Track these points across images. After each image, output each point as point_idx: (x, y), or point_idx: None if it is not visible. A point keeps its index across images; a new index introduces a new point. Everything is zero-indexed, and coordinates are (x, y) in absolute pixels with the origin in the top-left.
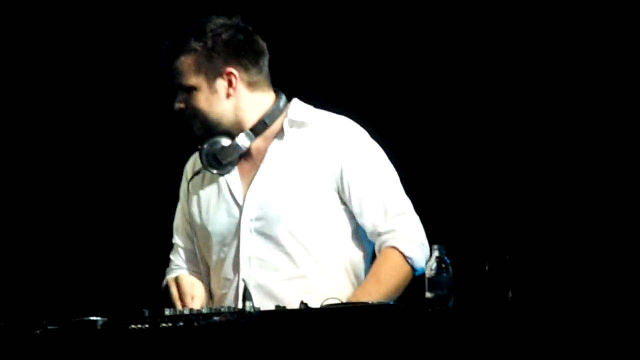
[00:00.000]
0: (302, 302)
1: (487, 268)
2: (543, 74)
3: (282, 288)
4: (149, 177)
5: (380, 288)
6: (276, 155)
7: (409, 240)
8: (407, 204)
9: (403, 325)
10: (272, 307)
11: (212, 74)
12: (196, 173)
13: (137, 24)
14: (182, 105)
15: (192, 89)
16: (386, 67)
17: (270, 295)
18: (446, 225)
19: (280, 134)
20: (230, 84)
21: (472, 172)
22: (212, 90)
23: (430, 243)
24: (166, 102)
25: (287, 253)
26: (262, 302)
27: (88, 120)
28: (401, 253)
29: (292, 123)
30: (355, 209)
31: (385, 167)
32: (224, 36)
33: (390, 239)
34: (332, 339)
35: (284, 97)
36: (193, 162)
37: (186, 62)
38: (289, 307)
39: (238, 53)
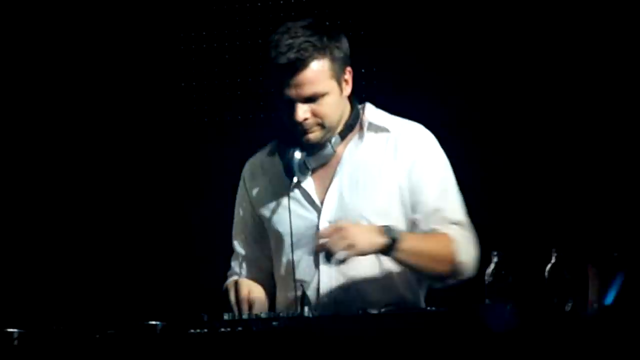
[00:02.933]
0: (361, 308)
1: (547, 275)
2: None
3: (363, 286)
4: (209, 182)
5: (424, 243)
6: (354, 157)
7: (463, 237)
8: (464, 215)
9: (461, 332)
10: (355, 305)
11: (341, 75)
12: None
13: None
14: (307, 115)
15: (322, 95)
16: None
17: (351, 294)
18: (507, 231)
19: (359, 135)
20: (347, 83)
21: (533, 177)
22: (340, 91)
23: (490, 248)
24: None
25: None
26: (345, 300)
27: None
28: (451, 239)
29: (371, 126)
30: (413, 211)
31: (449, 177)
32: (341, 34)
33: (444, 229)
34: (390, 344)
35: (355, 100)
36: (251, 169)
37: (319, 68)
38: (371, 305)
39: (349, 50)
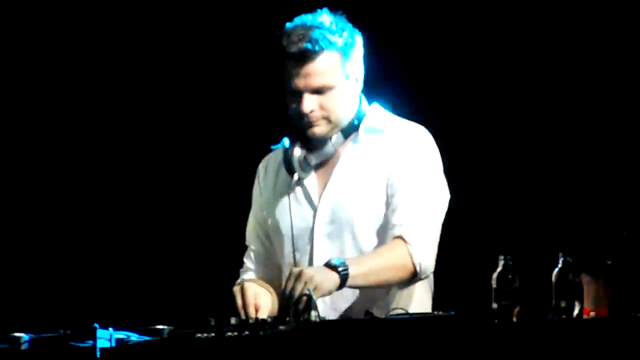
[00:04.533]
0: (367, 312)
1: (554, 280)
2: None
3: (349, 296)
4: (218, 184)
5: (375, 259)
6: (349, 160)
7: (417, 236)
8: (429, 208)
9: (468, 337)
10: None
11: (349, 72)
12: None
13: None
14: (314, 107)
15: (331, 89)
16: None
17: (350, 299)
18: (513, 235)
19: (355, 138)
20: (357, 81)
21: (540, 181)
22: (349, 88)
23: (496, 253)
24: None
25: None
26: (337, 307)
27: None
28: (405, 242)
29: (369, 129)
30: (387, 202)
31: (426, 173)
32: (355, 32)
33: (399, 230)
34: (396, 349)
35: (364, 100)
36: (265, 165)
37: (329, 60)
38: (356, 314)
39: (362, 48)
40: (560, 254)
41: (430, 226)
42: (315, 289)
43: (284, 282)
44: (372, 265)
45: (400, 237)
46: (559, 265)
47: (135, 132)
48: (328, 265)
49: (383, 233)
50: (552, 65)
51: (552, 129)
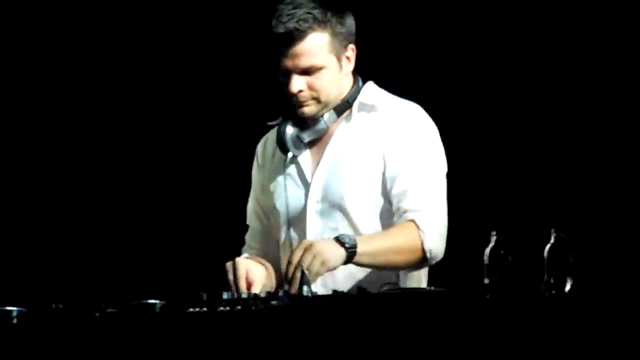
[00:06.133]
0: (359, 287)
1: (546, 255)
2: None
3: (355, 269)
4: (210, 163)
5: (385, 241)
6: (342, 138)
7: (430, 222)
8: (437, 196)
9: (460, 312)
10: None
11: (341, 51)
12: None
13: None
14: (303, 87)
15: (319, 69)
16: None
17: (343, 275)
18: (506, 211)
19: (348, 116)
20: (348, 60)
21: (531, 157)
22: (339, 68)
23: (489, 229)
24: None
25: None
26: (326, 284)
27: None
28: (418, 227)
29: (362, 106)
30: (388, 184)
31: (430, 153)
32: (346, 11)
33: (411, 215)
34: (389, 324)
35: (359, 79)
36: (264, 144)
37: (317, 40)
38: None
39: (353, 27)
40: (553, 230)
41: (441, 212)
42: (322, 263)
43: (282, 258)
44: (380, 246)
45: (412, 221)
46: (551, 241)
47: (129, 114)
48: (337, 239)
49: (384, 214)
50: (540, 43)
51: (544, 105)
